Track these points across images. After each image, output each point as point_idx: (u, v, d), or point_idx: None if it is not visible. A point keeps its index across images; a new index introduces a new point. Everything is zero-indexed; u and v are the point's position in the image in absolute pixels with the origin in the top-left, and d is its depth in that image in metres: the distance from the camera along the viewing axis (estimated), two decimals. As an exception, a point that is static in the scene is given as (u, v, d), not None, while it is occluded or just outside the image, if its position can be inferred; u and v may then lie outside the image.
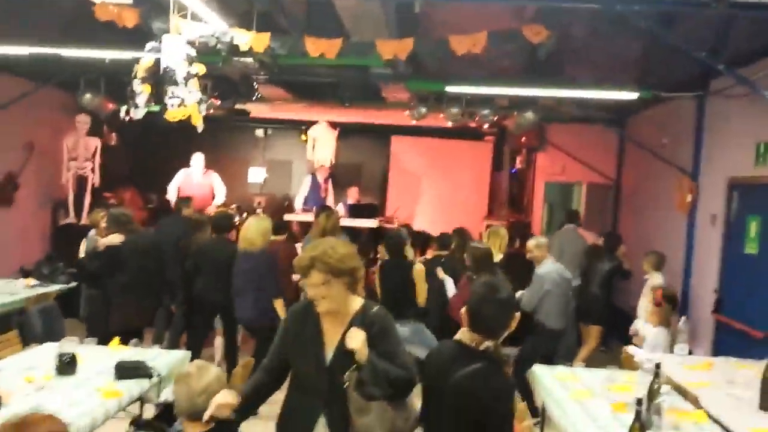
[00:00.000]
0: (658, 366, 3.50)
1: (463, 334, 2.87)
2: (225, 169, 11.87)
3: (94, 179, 9.95)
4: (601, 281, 7.68)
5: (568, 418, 3.72)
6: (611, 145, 10.59)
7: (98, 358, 4.26)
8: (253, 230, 6.04)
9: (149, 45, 4.38)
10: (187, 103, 4.32)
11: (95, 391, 3.68)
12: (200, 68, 4.41)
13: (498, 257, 6.74)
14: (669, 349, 5.41)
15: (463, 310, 2.88)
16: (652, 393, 3.40)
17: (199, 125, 4.56)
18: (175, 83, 4.29)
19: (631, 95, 7.22)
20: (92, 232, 7.19)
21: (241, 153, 12.52)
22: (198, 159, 9.97)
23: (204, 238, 6.86)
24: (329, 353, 2.91)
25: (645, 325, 5.88)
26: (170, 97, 4.28)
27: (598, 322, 7.49)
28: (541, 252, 6.39)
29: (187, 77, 4.34)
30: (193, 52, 4.41)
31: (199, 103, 4.49)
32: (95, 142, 10.00)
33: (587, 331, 7.55)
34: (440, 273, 6.55)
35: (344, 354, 2.82)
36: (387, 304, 5.66)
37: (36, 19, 6.73)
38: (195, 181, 9.91)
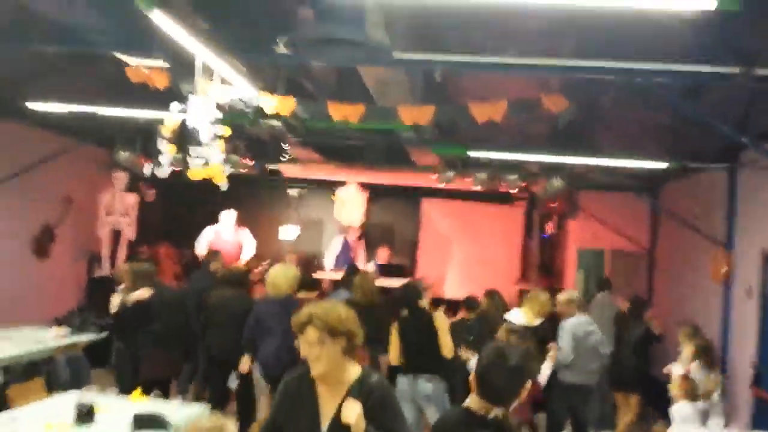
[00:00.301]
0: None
1: (471, 401, 2.80)
2: (258, 227, 12.07)
3: (129, 234, 10.16)
4: (633, 348, 7.48)
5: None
6: (644, 214, 10.45)
7: (118, 409, 4.35)
8: (279, 276, 6.10)
9: (174, 105, 4.52)
10: (210, 162, 4.43)
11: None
12: (225, 130, 4.53)
13: (536, 322, 6.57)
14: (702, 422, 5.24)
15: (472, 376, 2.82)
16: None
17: (223, 184, 4.66)
18: (199, 143, 4.41)
19: (659, 165, 7.15)
20: (121, 287, 7.34)
21: (274, 211, 12.68)
22: (229, 216, 10.13)
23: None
24: (325, 424, 2.80)
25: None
26: (194, 157, 4.39)
27: (633, 390, 7.26)
28: (570, 308, 6.29)
29: (212, 138, 4.45)
30: (218, 114, 4.54)
31: (224, 163, 4.60)
32: (132, 198, 10.26)
33: (625, 401, 7.32)
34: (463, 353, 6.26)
35: (340, 426, 2.71)
36: (409, 360, 5.72)
37: (76, 78, 7.04)
38: (224, 237, 10.06)
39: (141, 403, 4.61)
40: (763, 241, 6.70)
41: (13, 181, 8.53)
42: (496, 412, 2.70)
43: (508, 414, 2.73)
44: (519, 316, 6.47)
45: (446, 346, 5.65)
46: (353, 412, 2.66)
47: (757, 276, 6.76)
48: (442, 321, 5.79)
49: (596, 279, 9.84)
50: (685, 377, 5.79)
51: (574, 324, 6.14)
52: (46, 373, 6.33)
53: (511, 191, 9.44)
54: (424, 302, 6.03)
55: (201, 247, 9.89)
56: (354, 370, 2.86)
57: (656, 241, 10.46)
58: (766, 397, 6.38)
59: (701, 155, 7.50)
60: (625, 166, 7.87)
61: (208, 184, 5.15)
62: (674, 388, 5.66)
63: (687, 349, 6.81)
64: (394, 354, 5.92)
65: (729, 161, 7.27)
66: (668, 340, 7.83)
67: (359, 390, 2.78)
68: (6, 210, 8.72)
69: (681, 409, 5.43)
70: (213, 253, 8.39)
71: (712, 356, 6.04)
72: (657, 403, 7.32)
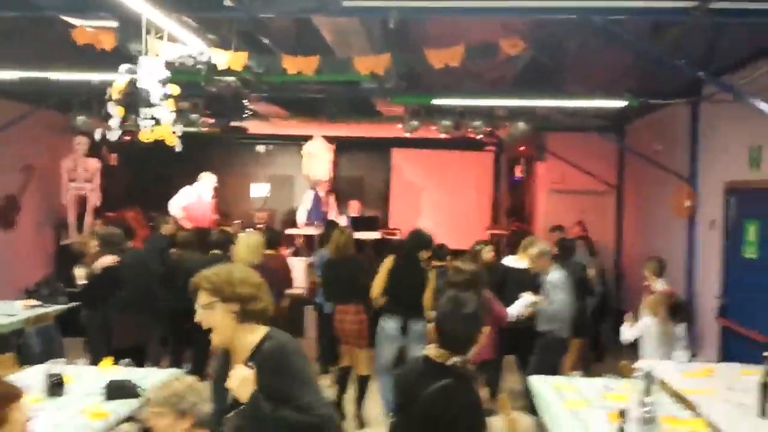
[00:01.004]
0: (648, 374, 3.44)
1: (430, 350, 2.86)
2: (227, 186, 11.96)
3: (94, 199, 10.01)
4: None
5: (561, 428, 3.67)
6: (610, 153, 10.51)
7: (90, 379, 4.30)
8: (244, 248, 6.06)
9: (123, 67, 4.39)
10: (161, 123, 4.33)
11: (81, 412, 3.69)
12: (174, 89, 4.42)
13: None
14: (663, 346, 5.37)
15: (431, 325, 2.88)
16: (643, 402, 3.34)
17: (176, 145, 4.57)
18: (150, 104, 4.30)
19: (622, 103, 7.15)
20: (86, 257, 7.25)
21: (243, 169, 12.56)
22: (209, 178, 10.06)
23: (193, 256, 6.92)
24: (231, 394, 2.61)
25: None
26: (144, 118, 4.29)
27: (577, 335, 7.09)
28: (544, 260, 6.12)
29: (162, 98, 4.35)
30: (167, 73, 4.42)
31: (175, 123, 4.50)
32: (95, 163, 10.08)
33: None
34: None
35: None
36: (398, 302, 5.78)
37: (25, 43, 6.82)
38: (205, 199, 10.02)
39: (113, 371, 4.54)
40: (725, 175, 6.79)
41: (-30, 152, 8.34)
42: (455, 359, 2.75)
43: (467, 360, 2.78)
44: (518, 262, 6.56)
45: (427, 299, 5.75)
46: (235, 379, 2.47)
47: (719, 209, 6.87)
48: (432, 281, 5.88)
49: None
50: (660, 296, 5.93)
51: (559, 278, 6.04)
52: (18, 347, 6.27)
53: (479, 137, 9.40)
54: (425, 254, 6.05)
55: (176, 209, 9.74)
56: (256, 336, 2.61)
57: (623, 179, 10.55)
58: (731, 326, 6.55)
59: (664, 93, 7.52)
60: (589, 107, 7.88)
61: (170, 146, 5.07)
62: (649, 306, 5.81)
63: (655, 284, 6.94)
64: (377, 290, 5.93)
65: (692, 96, 7.29)
66: (636, 276, 7.97)
67: (255, 356, 2.57)
68: (-34, 182, 8.54)
69: (646, 324, 5.59)
70: (163, 217, 8.42)
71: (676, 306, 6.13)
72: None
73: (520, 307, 5.82)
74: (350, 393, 6.36)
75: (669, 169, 7.86)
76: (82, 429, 3.46)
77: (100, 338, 6.69)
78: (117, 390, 4.00)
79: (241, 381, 2.43)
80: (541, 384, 4.59)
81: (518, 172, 11.53)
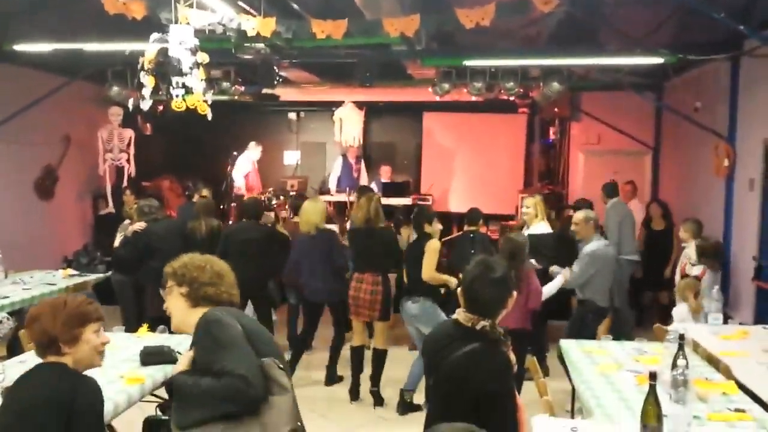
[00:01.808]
0: (681, 337, 3.39)
1: (459, 314, 2.85)
2: (261, 154, 12.04)
3: (130, 169, 10.17)
4: None
5: (593, 391, 3.66)
6: (647, 112, 10.30)
7: (125, 346, 4.36)
8: (312, 213, 6.21)
9: (153, 36, 4.41)
10: (192, 92, 4.35)
11: (119, 378, 3.75)
12: (204, 57, 4.42)
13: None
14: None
15: (459, 289, 2.87)
16: (676, 364, 3.30)
17: (207, 114, 4.59)
18: (181, 73, 4.32)
19: (658, 60, 6.97)
20: (126, 222, 7.41)
21: (275, 137, 12.60)
22: (257, 148, 10.69)
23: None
24: None
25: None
26: (175, 87, 4.31)
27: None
28: (587, 228, 5.95)
29: (193, 66, 4.36)
30: (197, 41, 4.42)
31: (206, 91, 4.52)
32: (129, 133, 10.20)
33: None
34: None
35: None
36: (409, 282, 5.81)
37: (56, 16, 6.89)
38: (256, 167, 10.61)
39: (149, 338, 4.61)
40: (765, 133, 6.60)
41: (10, 124, 8.48)
42: (483, 323, 2.74)
43: (495, 324, 2.78)
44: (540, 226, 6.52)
45: (426, 269, 5.63)
46: (179, 363, 2.55)
47: (758, 168, 6.70)
48: (430, 245, 5.72)
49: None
50: (689, 280, 5.82)
51: (594, 249, 5.88)
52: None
53: (512, 99, 9.27)
54: (432, 227, 5.96)
55: (239, 179, 10.38)
56: (198, 315, 2.59)
57: (660, 138, 10.34)
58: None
59: (703, 48, 7.30)
60: (625, 64, 7.69)
61: (202, 114, 5.11)
62: (678, 291, 5.71)
63: (692, 246, 6.83)
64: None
65: (732, 52, 7.07)
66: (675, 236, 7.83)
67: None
68: (6, 154, 8.71)
69: (681, 311, 5.50)
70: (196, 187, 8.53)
71: (717, 255, 6.03)
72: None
73: (554, 287, 5.78)
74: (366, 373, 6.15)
75: (707, 128, 7.67)
76: (120, 394, 3.53)
77: (130, 304, 7.02)
78: (152, 355, 4.06)
79: (183, 364, 2.52)
80: (572, 348, 4.58)
81: (552, 134, 11.34)
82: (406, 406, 5.72)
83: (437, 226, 6.05)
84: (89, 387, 2.55)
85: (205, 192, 7.85)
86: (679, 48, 7.11)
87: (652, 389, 2.65)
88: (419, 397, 5.64)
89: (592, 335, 5.53)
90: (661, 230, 8.30)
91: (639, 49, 7.20)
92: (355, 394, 6.03)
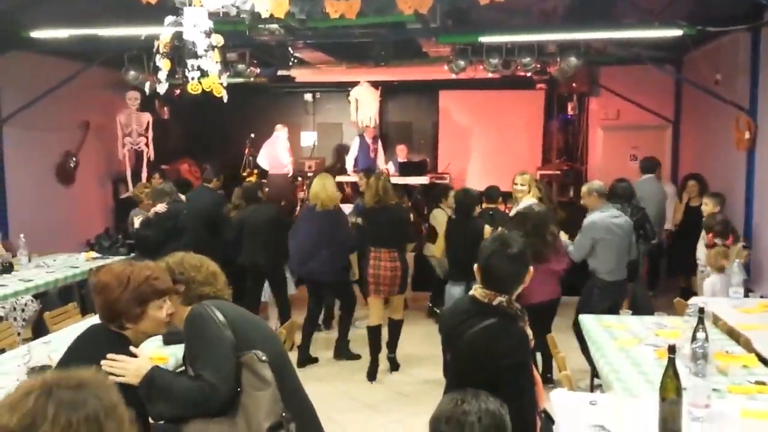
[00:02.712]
0: (701, 310, 3.37)
1: (476, 290, 2.85)
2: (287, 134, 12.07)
3: (149, 153, 10.24)
4: None
5: (612, 365, 3.67)
6: (667, 86, 10.16)
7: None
8: (322, 189, 6.21)
9: (168, 19, 4.41)
10: (207, 74, 4.36)
11: (143, 356, 3.84)
12: (218, 39, 4.42)
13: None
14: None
15: (476, 265, 2.86)
16: (695, 338, 3.30)
17: (223, 96, 4.61)
18: (196, 56, 4.32)
19: (677, 33, 6.85)
20: (137, 209, 7.51)
21: (291, 119, 12.61)
22: (284, 130, 10.89)
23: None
24: None
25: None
26: (191, 70, 4.32)
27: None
28: (590, 199, 5.82)
29: (207, 49, 4.36)
30: (211, 24, 4.42)
31: (221, 74, 4.52)
32: (147, 117, 10.27)
33: None
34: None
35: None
36: (459, 268, 5.77)
37: (72, 2, 6.92)
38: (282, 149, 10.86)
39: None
40: (788, 104, 6.50)
41: (29, 111, 8.57)
42: (500, 298, 2.74)
43: (512, 300, 2.77)
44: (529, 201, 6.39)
45: None
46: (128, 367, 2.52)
47: (781, 141, 6.61)
48: (489, 232, 5.67)
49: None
50: (719, 248, 5.74)
51: (601, 216, 5.72)
52: (81, 297, 6.58)
53: (529, 75, 9.18)
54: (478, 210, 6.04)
55: (264, 162, 10.74)
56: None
57: (680, 112, 10.20)
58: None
59: (723, 20, 7.17)
60: (644, 37, 7.56)
61: (218, 97, 5.12)
62: (709, 260, 5.65)
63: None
64: (438, 250, 6.13)
65: (751, 23, 6.94)
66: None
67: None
68: (26, 141, 8.82)
69: (713, 282, 5.44)
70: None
71: (729, 229, 5.96)
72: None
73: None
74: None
75: (728, 101, 7.55)
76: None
77: None
78: (173, 335, 4.14)
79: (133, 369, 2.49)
80: (590, 323, 4.57)
81: (570, 110, 11.23)
82: None
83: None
84: None
85: (216, 181, 7.88)
86: (698, 20, 6.99)
87: (671, 362, 2.64)
88: (432, 373, 5.67)
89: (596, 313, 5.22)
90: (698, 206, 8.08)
91: (657, 21, 7.09)
92: (372, 374, 6.08)
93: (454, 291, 5.79)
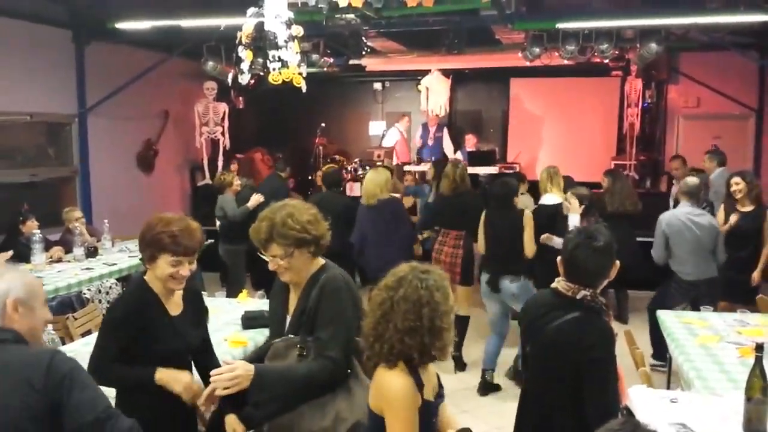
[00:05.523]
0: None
1: (558, 283, 2.80)
2: (347, 125, 12.16)
3: (224, 142, 10.50)
4: None
5: (692, 363, 3.58)
6: (751, 73, 9.73)
7: (228, 310, 4.60)
8: (371, 184, 6.08)
9: (250, 10, 4.49)
10: (288, 65, 4.42)
11: (223, 340, 3.94)
12: (298, 30, 4.48)
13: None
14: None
15: (559, 258, 2.81)
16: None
17: (302, 86, 4.66)
18: (277, 46, 4.39)
19: (762, 17, 6.56)
20: (226, 194, 7.63)
21: (361, 107, 12.69)
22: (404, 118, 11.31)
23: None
24: (287, 318, 2.72)
25: None
26: (272, 61, 4.39)
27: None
28: (682, 196, 5.57)
29: (288, 39, 4.42)
30: (291, 14, 4.48)
31: (301, 64, 4.57)
32: (223, 107, 10.53)
33: None
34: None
35: (299, 319, 2.63)
36: (494, 257, 5.61)
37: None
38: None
39: (248, 303, 4.80)
40: None
41: (112, 101, 8.91)
42: (584, 292, 2.69)
43: (596, 294, 2.71)
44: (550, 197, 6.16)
45: (528, 245, 5.41)
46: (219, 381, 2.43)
47: None
48: (528, 218, 5.47)
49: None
50: None
51: (670, 214, 5.55)
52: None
53: (605, 61, 8.95)
54: (519, 200, 5.80)
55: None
56: (314, 266, 2.69)
57: (764, 101, 9.78)
58: None
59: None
60: (728, 22, 7.27)
61: (294, 88, 5.17)
62: None
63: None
64: (480, 244, 5.77)
65: None
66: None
67: (313, 284, 2.64)
68: (110, 130, 9.17)
69: None
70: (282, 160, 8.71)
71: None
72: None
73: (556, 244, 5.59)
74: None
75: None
76: (224, 355, 3.69)
77: (241, 271, 7.43)
78: (252, 320, 4.25)
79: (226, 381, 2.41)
80: (669, 319, 4.46)
81: (648, 98, 10.89)
82: (487, 387, 5.56)
83: (528, 199, 5.98)
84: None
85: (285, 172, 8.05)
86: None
87: (758, 361, 2.56)
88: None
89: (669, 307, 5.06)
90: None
91: (742, 5, 6.81)
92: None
93: (509, 286, 5.46)
